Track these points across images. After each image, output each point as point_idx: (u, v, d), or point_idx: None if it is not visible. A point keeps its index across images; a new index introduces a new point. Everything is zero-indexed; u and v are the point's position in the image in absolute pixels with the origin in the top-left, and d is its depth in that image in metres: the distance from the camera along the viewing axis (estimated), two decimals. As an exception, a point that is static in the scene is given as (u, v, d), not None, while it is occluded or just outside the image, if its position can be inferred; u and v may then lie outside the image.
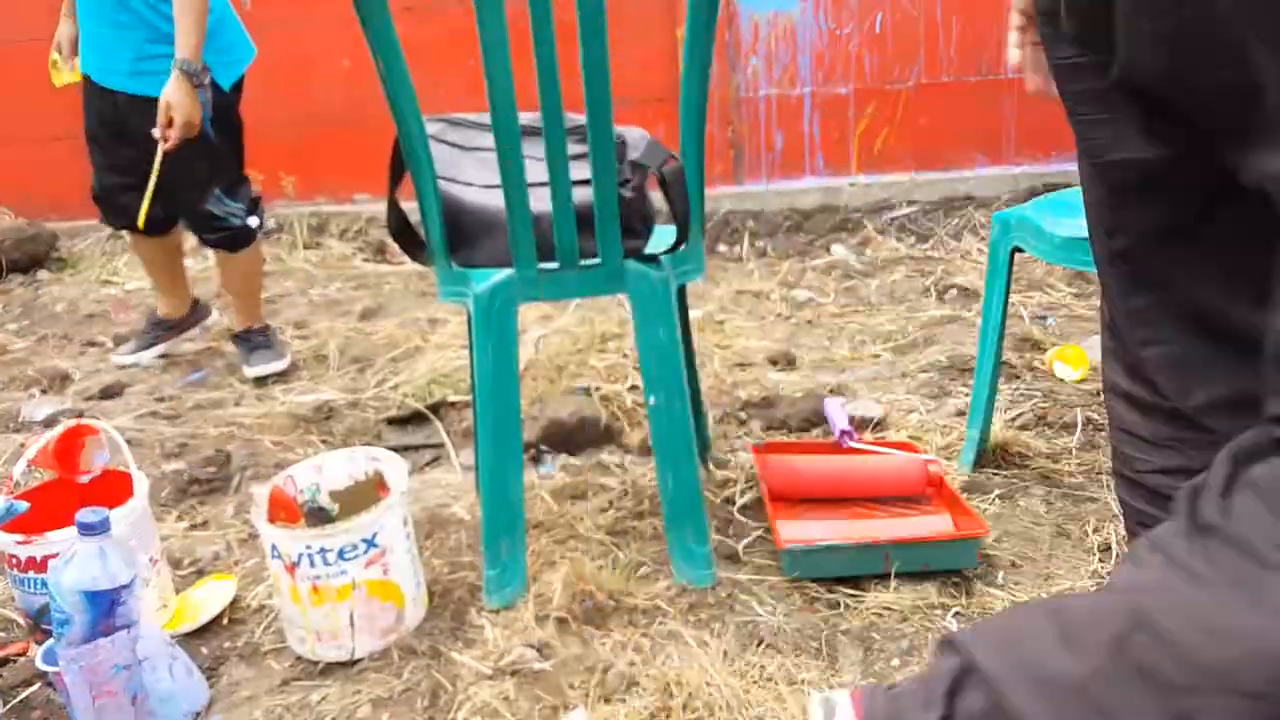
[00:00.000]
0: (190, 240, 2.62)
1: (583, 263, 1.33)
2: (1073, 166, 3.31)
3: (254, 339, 2.50)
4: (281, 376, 2.48)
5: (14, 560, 1.31)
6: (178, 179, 2.22)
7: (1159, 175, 0.80)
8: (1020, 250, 1.58)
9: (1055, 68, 0.85)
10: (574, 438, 1.94)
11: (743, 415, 2.05)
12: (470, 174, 1.39)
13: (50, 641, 1.19)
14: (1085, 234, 1.39)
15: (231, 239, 2.38)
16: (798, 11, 3.60)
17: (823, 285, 3.07)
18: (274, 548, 1.28)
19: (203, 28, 2.08)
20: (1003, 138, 3.68)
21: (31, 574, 1.31)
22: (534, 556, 1.51)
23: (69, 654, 1.09)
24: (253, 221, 2.40)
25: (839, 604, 1.36)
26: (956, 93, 3.64)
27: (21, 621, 1.43)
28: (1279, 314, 0.65)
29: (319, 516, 1.44)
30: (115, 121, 2.26)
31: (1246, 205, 0.68)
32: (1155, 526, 0.69)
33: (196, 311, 2.70)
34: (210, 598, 1.45)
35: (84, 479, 1.44)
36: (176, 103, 2.07)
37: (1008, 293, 1.64)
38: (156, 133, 2.11)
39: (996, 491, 1.64)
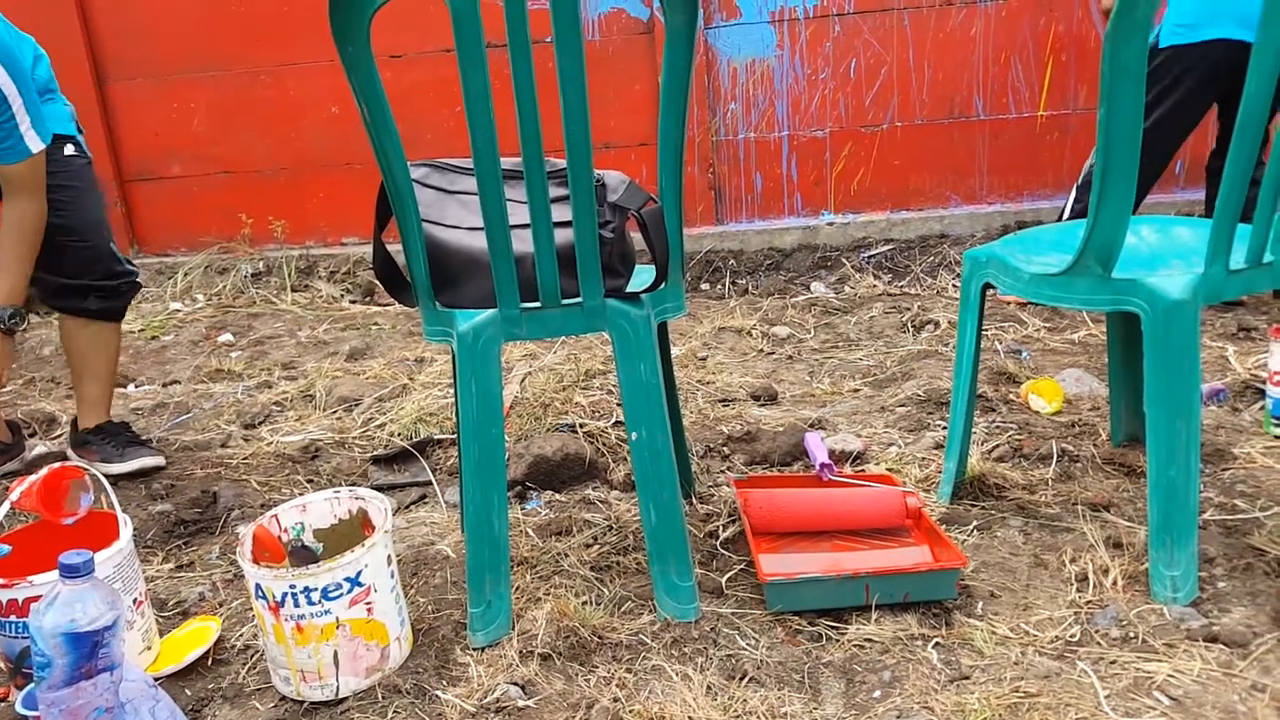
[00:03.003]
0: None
1: (564, 302, 1.36)
2: (1044, 204, 3.54)
3: (122, 433, 2.21)
4: (265, 419, 2.49)
5: (-4, 604, 1.31)
6: (95, 239, 2.08)
7: None
8: (991, 286, 1.63)
9: None
10: (558, 474, 1.95)
11: (725, 450, 2.07)
12: (454, 216, 1.42)
13: (31, 686, 1.18)
14: (1051, 270, 1.44)
15: (124, 298, 2.17)
16: (774, 58, 3.70)
17: (803, 321, 3.11)
18: (258, 587, 1.28)
19: (28, 269, 1.94)
20: (975, 178, 3.76)
21: (13, 618, 1.31)
22: (518, 593, 1.52)
23: (49, 698, 1.09)
24: (140, 276, 2.21)
25: (821, 636, 1.38)
26: (930, 134, 3.74)
27: (2, 666, 1.42)
28: None
29: (303, 556, 1.44)
30: None
31: None
32: None
33: (19, 438, 2.30)
34: (194, 639, 1.45)
35: (68, 521, 1.43)
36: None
37: (980, 327, 1.68)
38: None
39: (974, 523, 1.67)
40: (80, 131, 2.15)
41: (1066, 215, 3.00)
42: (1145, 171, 2.80)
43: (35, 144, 1.87)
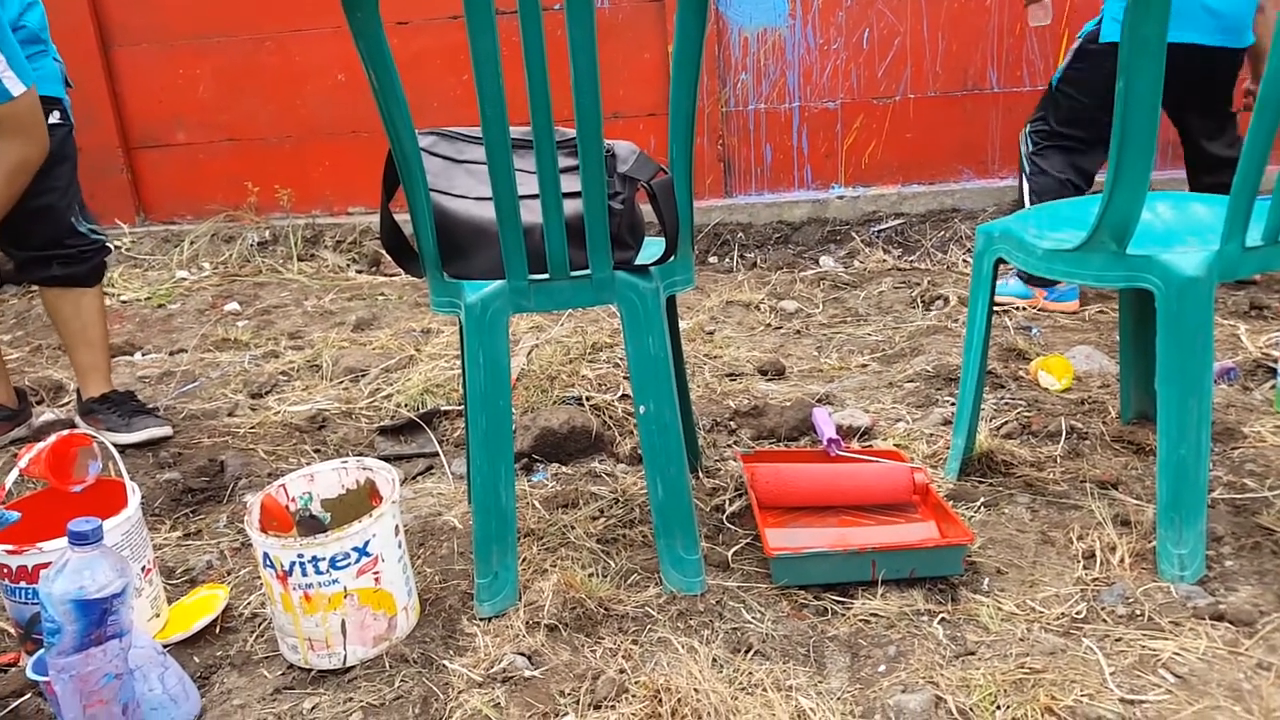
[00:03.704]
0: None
1: (573, 274, 1.35)
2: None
3: (128, 402, 2.20)
4: (272, 389, 2.49)
5: (5, 570, 1.31)
6: (64, 210, 2.04)
7: None
8: (1004, 262, 1.61)
9: None
10: (565, 446, 1.95)
11: (732, 424, 2.07)
12: (462, 186, 1.40)
13: (41, 651, 1.19)
14: (1065, 246, 1.42)
15: (96, 264, 2.14)
16: (786, 28, 3.65)
17: (811, 296, 3.10)
18: (266, 556, 1.29)
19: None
20: (988, 151, 3.72)
21: (23, 584, 1.32)
22: (525, 565, 1.52)
23: (59, 663, 1.10)
24: (110, 242, 2.17)
25: (826, 611, 1.38)
26: (942, 107, 3.69)
27: (12, 631, 1.43)
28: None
29: (311, 525, 1.45)
30: None
31: None
32: None
33: (25, 404, 2.28)
34: (202, 607, 1.46)
35: (77, 489, 1.44)
36: None
37: (992, 303, 1.67)
38: None
39: (982, 499, 1.66)
40: (69, 86, 2.12)
41: (1028, 200, 2.74)
42: (1087, 170, 2.66)
43: (15, 86, 1.79)
